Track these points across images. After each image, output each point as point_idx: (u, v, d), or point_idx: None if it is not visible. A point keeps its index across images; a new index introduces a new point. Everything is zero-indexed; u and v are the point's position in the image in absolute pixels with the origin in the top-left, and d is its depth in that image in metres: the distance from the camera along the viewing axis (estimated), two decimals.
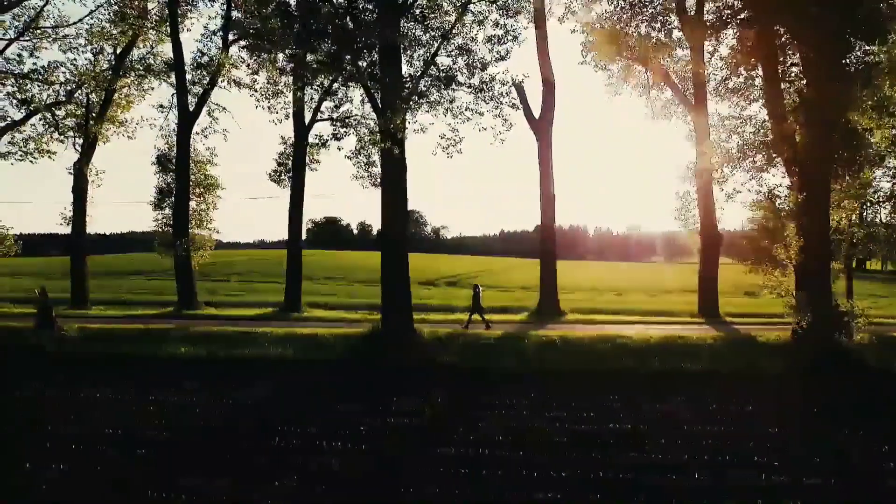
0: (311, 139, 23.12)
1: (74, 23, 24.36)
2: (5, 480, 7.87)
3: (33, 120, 24.95)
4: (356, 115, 21.38)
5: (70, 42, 23.98)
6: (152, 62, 25.89)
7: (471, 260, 70.42)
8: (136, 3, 24.22)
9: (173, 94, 24.12)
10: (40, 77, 24.08)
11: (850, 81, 15.11)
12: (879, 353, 15.16)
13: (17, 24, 23.33)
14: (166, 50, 26.02)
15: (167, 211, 24.64)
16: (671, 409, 11.48)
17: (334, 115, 22.55)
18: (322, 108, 23.24)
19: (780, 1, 15.83)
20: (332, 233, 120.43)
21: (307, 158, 23.92)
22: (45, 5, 23.63)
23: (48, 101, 24.67)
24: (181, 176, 23.80)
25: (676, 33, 22.03)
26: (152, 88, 26.22)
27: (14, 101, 24.08)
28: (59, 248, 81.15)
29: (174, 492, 7.46)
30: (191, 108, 23.91)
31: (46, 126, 25.07)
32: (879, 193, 21.66)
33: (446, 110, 16.75)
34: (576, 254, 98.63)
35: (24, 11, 23.42)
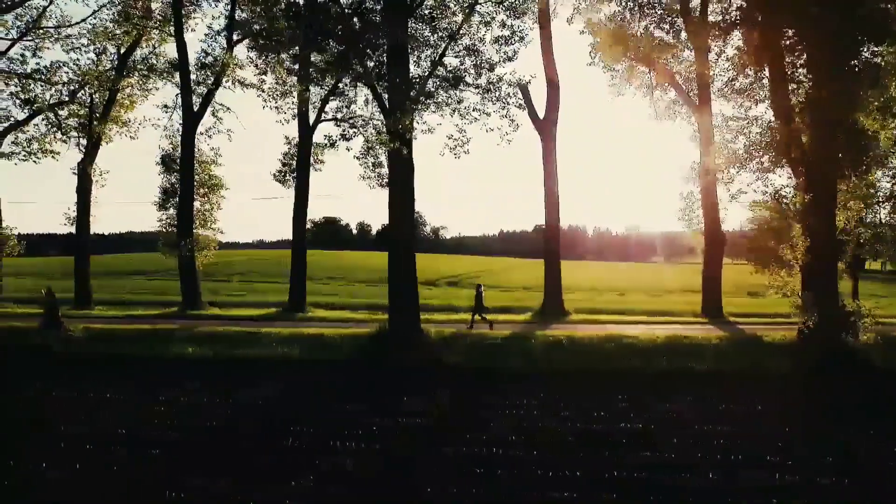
0: (320, 139, 23.13)
1: (77, 23, 24.37)
2: (14, 479, 7.86)
3: (36, 120, 24.97)
4: (360, 115, 21.43)
5: (73, 42, 24.01)
6: (156, 62, 25.91)
7: (471, 260, 70.47)
8: (140, 3, 24.20)
9: (177, 95, 24.14)
10: (43, 77, 24.07)
11: (857, 82, 15.17)
12: (885, 353, 15.21)
13: (18, 23, 23.35)
14: (170, 50, 26.06)
15: (171, 211, 24.64)
16: (680, 408, 11.51)
17: (338, 116, 22.60)
18: (326, 109, 23.31)
19: (782, 1, 15.90)
20: (331, 233, 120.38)
21: (312, 158, 23.97)
22: (48, 5, 23.64)
23: (51, 101, 24.66)
24: (186, 176, 23.79)
25: (683, 34, 22.09)
26: (157, 89, 26.28)
27: (17, 101, 24.10)
28: (57, 248, 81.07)
29: (186, 492, 7.46)
30: (195, 109, 23.89)
31: (49, 126, 25.07)
32: (880, 193, 21.72)
33: (454, 111, 16.77)
34: (575, 254, 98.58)
35: (27, 11, 23.43)
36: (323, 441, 9.35)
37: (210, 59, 23.92)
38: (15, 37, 23.34)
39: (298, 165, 23.89)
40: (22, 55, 23.68)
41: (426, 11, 16.38)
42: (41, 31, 23.70)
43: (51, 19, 23.87)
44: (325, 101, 22.90)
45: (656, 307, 26.39)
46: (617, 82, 24.23)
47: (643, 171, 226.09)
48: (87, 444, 9.07)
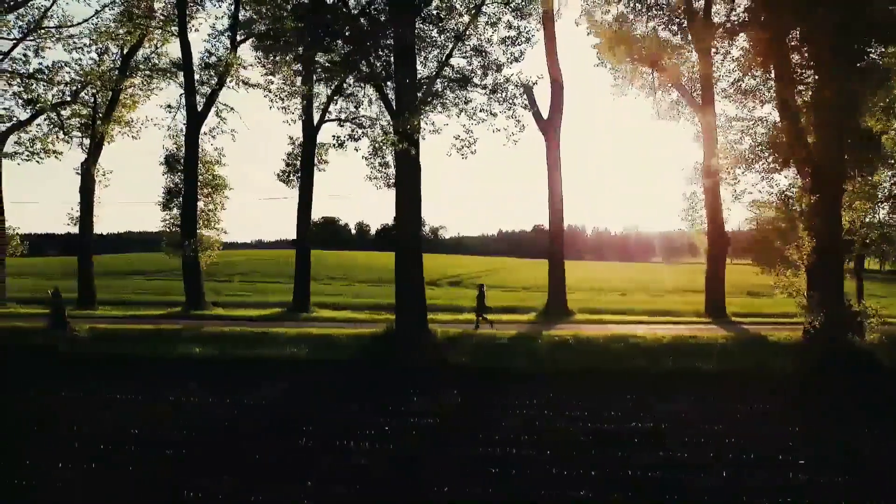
0: (328, 139, 23.19)
1: (80, 23, 24.32)
2: (25, 479, 7.86)
3: (39, 120, 24.93)
4: (365, 115, 21.42)
5: (74, 42, 23.96)
6: (158, 62, 25.88)
7: (471, 260, 70.61)
8: (143, 3, 24.16)
9: (181, 95, 24.07)
10: (45, 77, 24.04)
11: (864, 83, 15.23)
12: (892, 353, 15.27)
13: (20, 23, 23.30)
14: (172, 50, 26.03)
15: (175, 211, 24.61)
16: (689, 408, 11.56)
17: (341, 116, 22.60)
18: (329, 109, 23.30)
19: (789, 1, 15.94)
20: (330, 233, 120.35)
21: (316, 159, 23.97)
22: (51, 6, 23.60)
23: (53, 101, 24.62)
24: (189, 176, 23.75)
25: (690, 35, 22.16)
26: (160, 89, 26.22)
27: (20, 101, 24.06)
28: (56, 248, 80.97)
29: (195, 491, 7.47)
30: (199, 109, 23.87)
31: (51, 126, 25.03)
32: (880, 193, 21.76)
33: (461, 111, 16.81)
34: (574, 254, 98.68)
35: (29, 11, 23.38)
36: (332, 441, 9.37)
37: (214, 59, 23.90)
38: (17, 37, 23.29)
39: (303, 166, 23.89)
40: (24, 55, 23.65)
41: (433, 12, 16.40)
42: (43, 31, 23.66)
43: (52, 19, 23.86)
44: (329, 102, 22.90)
45: (658, 307, 26.44)
46: (620, 83, 24.34)
47: (642, 171, 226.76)
48: (97, 445, 9.08)
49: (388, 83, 16.32)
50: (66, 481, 7.78)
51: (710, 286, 23.47)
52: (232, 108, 25.04)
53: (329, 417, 10.69)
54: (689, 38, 22.10)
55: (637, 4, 21.97)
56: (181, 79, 24.09)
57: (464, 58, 17.16)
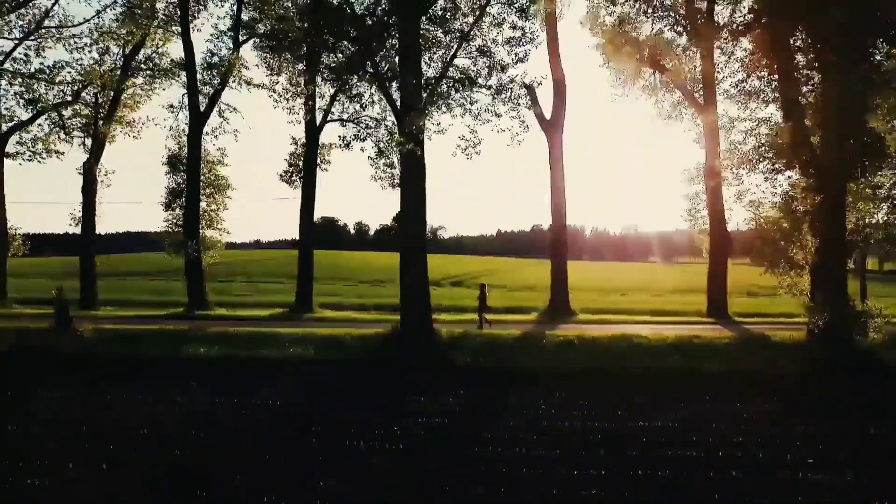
0: (333, 140, 23.20)
1: (81, 23, 24.30)
2: (33, 480, 7.85)
3: (40, 120, 24.90)
4: (368, 115, 21.44)
5: (75, 42, 23.95)
6: (160, 62, 25.85)
7: (472, 260, 70.64)
8: (145, 3, 24.16)
9: (184, 95, 24.08)
10: (46, 77, 24.02)
11: (869, 83, 15.27)
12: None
13: (21, 23, 23.28)
14: (174, 50, 26.16)
15: (177, 211, 24.59)
16: (696, 408, 11.58)
17: (344, 116, 22.62)
18: (332, 110, 23.30)
19: (794, 1, 15.95)
20: (329, 233, 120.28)
21: (318, 159, 23.98)
22: (52, 5, 23.58)
23: (55, 101, 24.59)
24: (192, 176, 23.74)
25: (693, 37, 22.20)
26: (162, 89, 26.21)
27: (21, 101, 24.05)
28: (54, 248, 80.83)
29: (207, 491, 7.47)
30: (201, 109, 23.85)
31: (53, 126, 25.00)
32: (881, 193, 21.79)
33: (466, 111, 16.84)
34: (573, 254, 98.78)
35: (30, 11, 23.35)
36: (341, 441, 9.35)
37: (216, 59, 23.91)
38: (19, 37, 23.28)
39: (305, 166, 23.90)
40: (25, 55, 23.65)
41: (438, 12, 16.42)
42: (44, 30, 23.64)
43: (53, 19, 23.87)
44: (331, 102, 22.90)
45: (660, 307, 26.50)
46: (622, 83, 24.35)
47: (641, 172, 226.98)
48: (105, 445, 9.05)
49: (393, 83, 16.33)
50: (75, 482, 7.77)
51: (712, 286, 23.51)
52: (234, 109, 25.05)
53: (337, 418, 10.68)
54: (693, 39, 22.14)
55: (641, 5, 21.99)
56: (183, 79, 24.10)
57: (469, 58, 17.23)
